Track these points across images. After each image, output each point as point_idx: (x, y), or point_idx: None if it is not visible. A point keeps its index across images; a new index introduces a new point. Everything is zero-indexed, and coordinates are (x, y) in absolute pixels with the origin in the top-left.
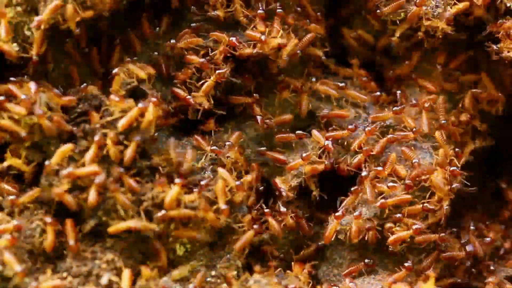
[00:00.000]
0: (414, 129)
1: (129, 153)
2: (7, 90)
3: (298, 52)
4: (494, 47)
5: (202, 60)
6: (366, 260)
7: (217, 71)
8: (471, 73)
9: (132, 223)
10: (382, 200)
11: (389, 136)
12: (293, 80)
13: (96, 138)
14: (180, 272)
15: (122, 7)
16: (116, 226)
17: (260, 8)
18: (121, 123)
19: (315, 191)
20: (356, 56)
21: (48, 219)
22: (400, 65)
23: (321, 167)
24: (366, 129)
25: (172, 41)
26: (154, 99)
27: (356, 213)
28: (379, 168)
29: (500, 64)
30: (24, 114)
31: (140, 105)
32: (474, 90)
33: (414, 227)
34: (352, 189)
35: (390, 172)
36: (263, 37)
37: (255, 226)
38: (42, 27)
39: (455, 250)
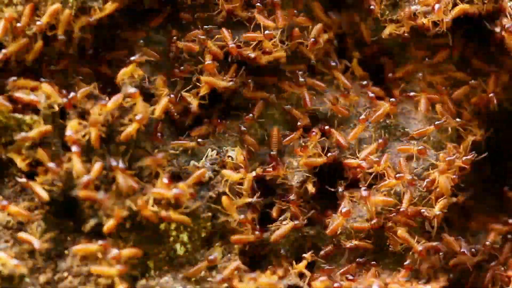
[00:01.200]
0: (435, 122)
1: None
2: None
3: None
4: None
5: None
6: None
7: (223, 83)
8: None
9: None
10: (366, 193)
11: (402, 147)
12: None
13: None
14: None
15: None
16: (108, 224)
17: None
18: (140, 116)
19: (311, 189)
20: (352, 56)
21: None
22: (402, 66)
23: (319, 160)
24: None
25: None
26: (172, 96)
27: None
28: (375, 159)
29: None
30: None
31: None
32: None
33: (419, 248)
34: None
35: (383, 169)
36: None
37: (296, 222)
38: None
39: (455, 246)
